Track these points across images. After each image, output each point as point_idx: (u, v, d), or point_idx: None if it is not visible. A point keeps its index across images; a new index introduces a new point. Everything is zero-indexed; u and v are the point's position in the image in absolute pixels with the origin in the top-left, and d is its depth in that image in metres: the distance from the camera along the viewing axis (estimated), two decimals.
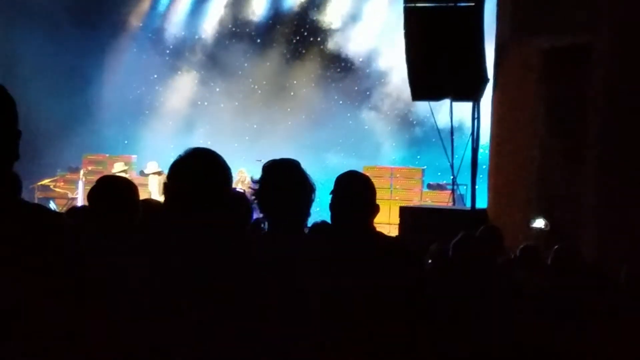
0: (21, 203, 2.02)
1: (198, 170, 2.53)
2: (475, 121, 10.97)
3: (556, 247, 5.87)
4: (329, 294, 2.73)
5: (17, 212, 1.98)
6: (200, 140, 15.71)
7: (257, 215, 3.47)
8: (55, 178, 18.29)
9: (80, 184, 17.55)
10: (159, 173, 15.10)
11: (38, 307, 1.90)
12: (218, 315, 2.34)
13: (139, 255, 2.47)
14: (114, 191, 3.50)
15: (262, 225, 3.23)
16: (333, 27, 19.65)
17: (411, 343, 3.17)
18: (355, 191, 3.37)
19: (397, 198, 16.55)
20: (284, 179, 2.98)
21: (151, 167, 15.60)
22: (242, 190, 7.43)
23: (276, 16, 20.07)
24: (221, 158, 2.60)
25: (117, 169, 15.48)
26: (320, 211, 3.72)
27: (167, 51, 20.41)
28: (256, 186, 3.00)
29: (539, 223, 9.65)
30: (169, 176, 2.56)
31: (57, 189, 18.11)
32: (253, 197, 3.01)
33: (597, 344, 4.61)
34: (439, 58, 10.46)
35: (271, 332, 2.43)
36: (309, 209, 3.03)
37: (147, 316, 2.32)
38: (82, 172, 17.93)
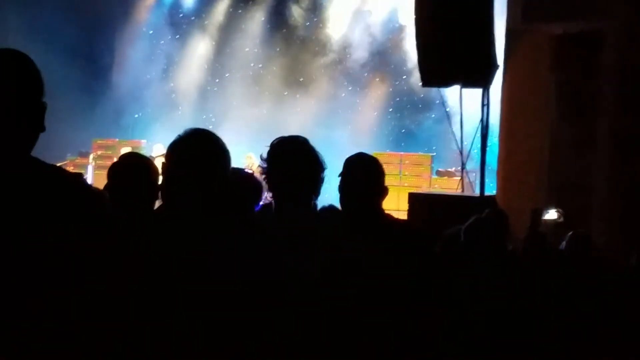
0: (48, 165, 2.05)
1: (195, 151, 2.51)
2: (485, 108, 10.90)
3: (571, 233, 5.82)
4: (334, 273, 2.71)
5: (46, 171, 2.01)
6: (209, 125, 15.68)
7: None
8: (65, 162, 18.31)
9: (90, 169, 17.58)
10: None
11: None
12: (217, 299, 2.33)
13: (138, 234, 2.46)
14: (135, 169, 3.52)
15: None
16: (342, 12, 19.59)
17: (419, 325, 3.15)
18: (363, 173, 3.36)
19: (406, 184, 16.50)
20: (291, 156, 2.87)
21: (157, 149, 15.53)
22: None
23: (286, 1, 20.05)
24: (219, 139, 2.56)
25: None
26: (328, 198, 3.69)
27: (177, 36, 20.39)
28: (265, 164, 2.93)
29: (552, 215, 9.41)
30: (166, 156, 2.54)
31: None
32: (263, 177, 2.95)
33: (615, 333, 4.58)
34: (449, 44, 10.38)
35: (274, 312, 2.42)
36: (316, 187, 2.86)
37: (141, 298, 2.32)
38: (91, 156, 17.96)
